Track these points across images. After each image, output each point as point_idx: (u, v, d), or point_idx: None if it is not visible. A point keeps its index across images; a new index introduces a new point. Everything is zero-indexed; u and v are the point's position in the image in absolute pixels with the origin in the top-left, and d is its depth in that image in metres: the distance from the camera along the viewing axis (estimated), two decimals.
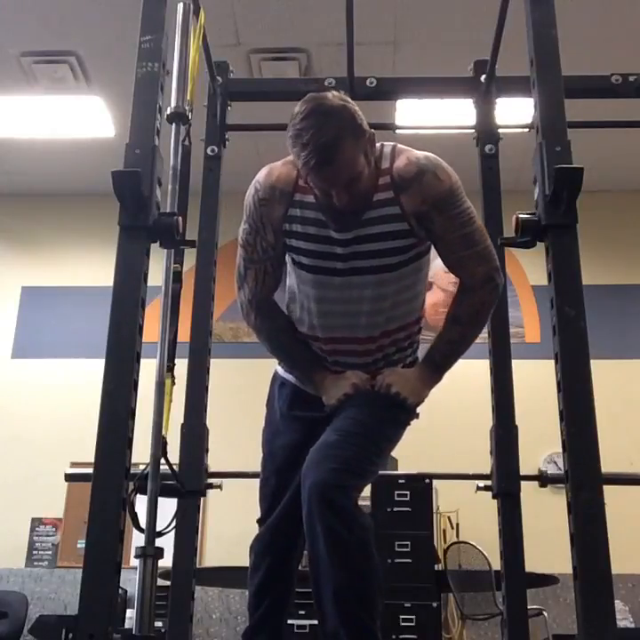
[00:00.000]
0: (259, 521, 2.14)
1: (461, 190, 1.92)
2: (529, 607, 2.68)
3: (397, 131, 5.56)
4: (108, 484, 1.58)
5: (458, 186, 1.91)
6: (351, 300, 1.95)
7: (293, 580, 2.10)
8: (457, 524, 5.46)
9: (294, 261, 1.99)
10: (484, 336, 2.43)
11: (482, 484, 2.72)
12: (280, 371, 2.19)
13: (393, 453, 2.18)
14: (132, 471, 1.67)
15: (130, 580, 2.28)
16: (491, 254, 1.97)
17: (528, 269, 6.21)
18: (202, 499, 2.69)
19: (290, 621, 2.12)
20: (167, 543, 2.15)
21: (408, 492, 4.17)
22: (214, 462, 2.73)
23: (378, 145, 1.92)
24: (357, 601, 1.73)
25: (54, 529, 5.91)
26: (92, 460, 1.60)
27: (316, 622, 1.79)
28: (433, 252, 2.02)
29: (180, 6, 2.46)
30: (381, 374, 1.99)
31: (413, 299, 2.02)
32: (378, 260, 1.90)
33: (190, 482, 2.52)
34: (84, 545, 1.55)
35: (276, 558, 2.06)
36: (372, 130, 1.89)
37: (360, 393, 1.97)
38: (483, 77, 3.04)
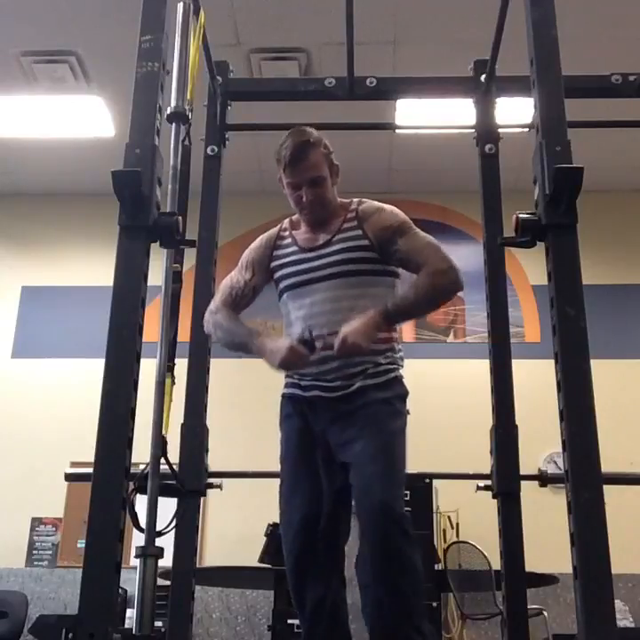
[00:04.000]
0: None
1: (414, 225, 2.34)
2: (529, 607, 2.68)
3: (397, 130, 5.59)
4: (108, 483, 1.58)
5: (410, 221, 2.33)
6: (322, 300, 2.29)
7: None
8: (457, 524, 5.46)
9: (282, 290, 2.38)
10: (483, 335, 2.44)
11: (482, 483, 2.73)
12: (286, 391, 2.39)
13: None
14: (132, 471, 1.67)
15: (130, 580, 2.28)
16: (451, 260, 2.26)
17: (528, 269, 6.20)
18: (202, 499, 2.69)
19: (289, 621, 2.14)
20: (167, 543, 2.15)
21: (408, 492, 4.16)
22: (214, 462, 2.73)
23: (346, 200, 2.40)
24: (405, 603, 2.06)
25: (54, 529, 5.91)
26: (92, 460, 1.60)
27: None
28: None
29: (180, 6, 2.46)
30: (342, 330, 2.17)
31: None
32: (341, 266, 2.29)
33: (190, 482, 2.52)
34: (83, 545, 1.55)
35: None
36: (337, 163, 2.37)
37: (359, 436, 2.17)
38: (483, 77, 3.04)
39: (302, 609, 2.20)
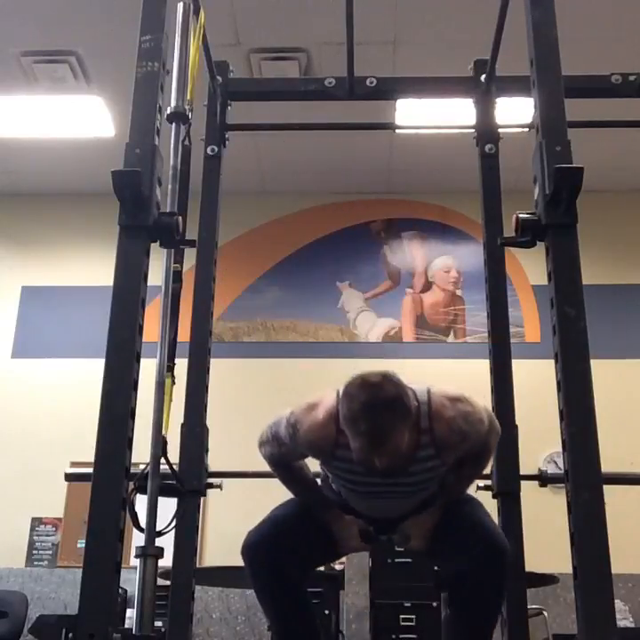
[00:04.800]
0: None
1: (490, 427, 2.17)
2: (529, 607, 2.68)
3: (397, 130, 5.59)
4: (108, 483, 1.58)
5: (487, 429, 2.15)
6: (387, 506, 2.23)
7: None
8: None
9: (334, 477, 2.25)
10: (483, 335, 2.44)
11: (482, 483, 2.72)
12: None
13: None
14: (132, 471, 1.67)
15: (130, 580, 2.28)
16: (498, 426, 2.24)
17: (528, 269, 6.20)
18: (202, 498, 2.69)
19: None
20: (167, 543, 2.15)
21: None
22: (214, 462, 2.73)
23: (411, 393, 2.01)
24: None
25: (54, 529, 5.90)
26: (92, 460, 1.60)
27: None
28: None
29: (180, 6, 2.46)
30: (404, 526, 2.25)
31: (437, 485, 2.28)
32: (416, 494, 2.19)
33: (190, 482, 2.52)
34: (84, 545, 1.55)
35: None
36: (414, 402, 2.00)
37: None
38: (483, 77, 3.04)
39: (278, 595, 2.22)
